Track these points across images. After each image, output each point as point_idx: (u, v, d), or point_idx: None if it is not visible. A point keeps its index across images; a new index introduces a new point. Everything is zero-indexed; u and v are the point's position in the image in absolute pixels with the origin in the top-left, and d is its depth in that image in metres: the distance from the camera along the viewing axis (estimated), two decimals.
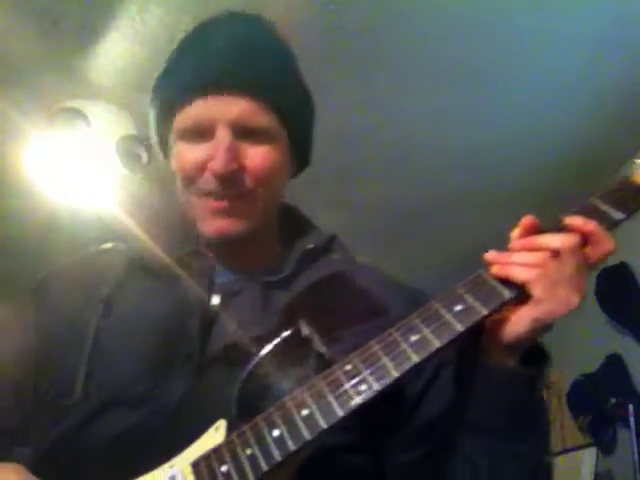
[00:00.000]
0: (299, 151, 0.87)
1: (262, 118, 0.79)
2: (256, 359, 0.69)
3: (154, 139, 0.89)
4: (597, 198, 0.74)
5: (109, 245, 0.91)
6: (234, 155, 0.77)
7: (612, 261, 2.38)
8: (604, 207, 0.73)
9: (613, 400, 2.42)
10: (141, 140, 2.19)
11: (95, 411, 0.73)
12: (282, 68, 0.84)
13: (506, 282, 0.67)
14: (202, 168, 0.79)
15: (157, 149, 0.90)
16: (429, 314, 0.66)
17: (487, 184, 2.59)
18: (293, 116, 0.83)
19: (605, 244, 0.69)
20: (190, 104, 0.79)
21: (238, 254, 0.84)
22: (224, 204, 0.78)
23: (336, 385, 0.64)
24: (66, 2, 1.78)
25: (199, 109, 0.79)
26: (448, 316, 0.65)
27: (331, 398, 0.63)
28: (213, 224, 0.79)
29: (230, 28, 0.84)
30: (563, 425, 2.89)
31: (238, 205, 0.79)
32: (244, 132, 0.78)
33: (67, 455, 0.72)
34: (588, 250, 0.69)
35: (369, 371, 0.64)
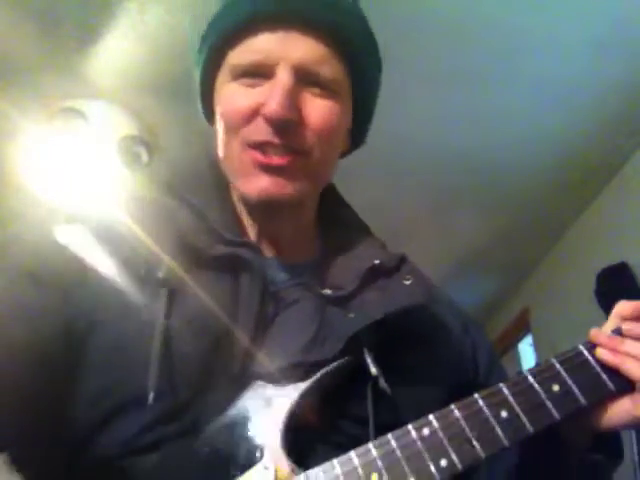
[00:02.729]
0: (359, 123, 0.77)
1: (331, 67, 0.68)
2: (309, 387, 0.60)
3: (198, 92, 0.76)
4: None
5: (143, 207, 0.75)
6: (294, 102, 0.65)
7: (612, 261, 2.38)
8: None
9: None
10: (141, 140, 2.19)
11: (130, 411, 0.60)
12: (356, 14, 0.73)
13: (611, 370, 0.60)
14: (254, 113, 0.66)
15: (200, 108, 0.77)
16: (522, 387, 0.58)
17: (487, 184, 2.59)
18: (362, 72, 0.73)
19: None
20: (252, 36, 0.67)
21: (282, 233, 0.73)
22: (275, 159, 0.66)
23: (413, 453, 0.55)
24: (66, 2, 1.78)
25: (262, 42, 0.67)
26: (543, 396, 0.57)
27: (407, 469, 0.54)
28: (259, 182, 0.67)
29: None
30: None
31: (291, 163, 0.67)
32: (309, 79, 0.67)
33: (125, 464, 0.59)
34: None
35: (451, 444, 0.55)
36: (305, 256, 0.76)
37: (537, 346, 3.24)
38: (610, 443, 0.64)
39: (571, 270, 2.87)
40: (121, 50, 1.95)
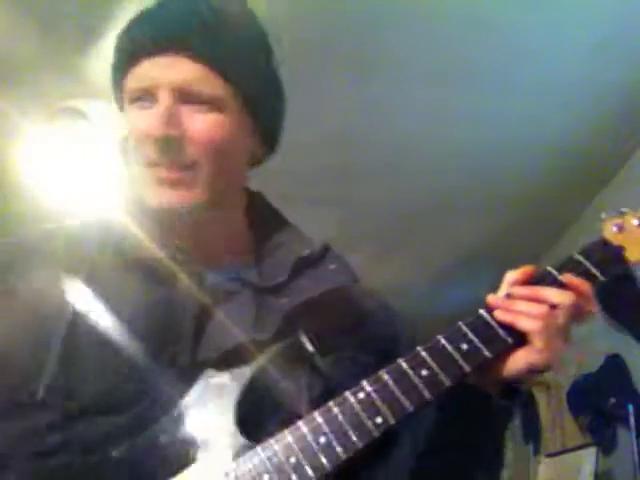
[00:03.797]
0: (263, 132, 0.81)
1: (210, 84, 0.73)
2: (254, 369, 0.68)
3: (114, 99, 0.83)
4: (580, 254, 0.77)
5: (75, 223, 0.84)
6: (173, 120, 0.72)
7: None
8: (588, 265, 0.77)
9: (613, 400, 2.42)
10: None
11: (72, 416, 0.66)
12: (241, 39, 0.78)
13: (507, 327, 0.71)
14: (145, 136, 0.74)
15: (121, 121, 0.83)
16: (436, 349, 0.69)
17: (487, 184, 2.59)
18: (251, 89, 0.77)
19: (593, 305, 0.74)
20: (140, 63, 0.74)
21: (201, 240, 0.79)
22: (166, 173, 0.72)
23: (352, 413, 0.64)
24: (66, 2, 1.78)
25: (144, 69, 0.74)
26: (456, 355, 0.69)
27: (348, 427, 0.64)
28: (158, 195, 0.73)
29: (171, 7, 0.79)
30: (563, 425, 2.90)
31: (183, 176, 0.73)
32: (189, 98, 0.73)
33: (40, 463, 0.65)
34: (578, 305, 0.72)
35: (383, 402, 0.65)
36: (242, 258, 0.82)
37: None
38: (513, 391, 0.74)
39: None
40: None
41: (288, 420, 0.66)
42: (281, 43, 0.83)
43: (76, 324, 0.70)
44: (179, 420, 0.66)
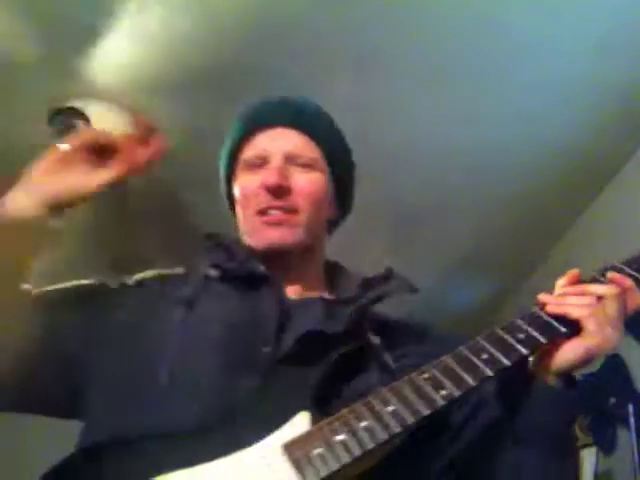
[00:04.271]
0: (341, 194, 1.04)
1: (310, 151, 0.97)
2: (329, 360, 0.76)
3: (223, 192, 1.05)
4: (622, 264, 0.90)
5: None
6: (284, 174, 0.93)
7: (612, 261, 2.38)
8: (630, 271, 0.88)
9: (613, 400, 2.42)
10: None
11: (172, 401, 0.76)
12: (323, 117, 1.04)
13: (560, 319, 0.78)
14: (258, 190, 0.93)
15: (225, 204, 1.06)
16: (494, 338, 0.76)
17: (487, 184, 2.59)
18: (335, 156, 1.01)
19: (638, 299, 0.83)
20: (253, 139, 0.98)
21: (291, 274, 0.95)
22: (277, 217, 0.92)
23: (417, 388, 0.71)
24: (66, 2, 1.78)
25: (260, 141, 0.97)
26: (512, 341, 0.75)
27: (414, 398, 0.70)
28: (265, 234, 0.93)
29: (284, 98, 1.03)
30: None
31: (288, 218, 0.93)
32: (295, 161, 0.95)
33: (147, 439, 0.72)
34: (624, 298, 0.81)
35: (447, 379, 0.72)
36: (314, 293, 0.97)
37: None
38: (571, 380, 0.81)
39: (571, 270, 2.87)
40: (121, 50, 1.95)
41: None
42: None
43: (187, 325, 0.83)
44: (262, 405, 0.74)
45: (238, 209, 0.99)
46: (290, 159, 0.96)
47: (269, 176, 0.93)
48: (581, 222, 2.84)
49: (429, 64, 1.99)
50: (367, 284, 0.94)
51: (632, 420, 2.24)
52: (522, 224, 2.85)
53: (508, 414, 0.81)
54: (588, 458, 2.53)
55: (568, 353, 0.77)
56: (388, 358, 0.84)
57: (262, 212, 0.93)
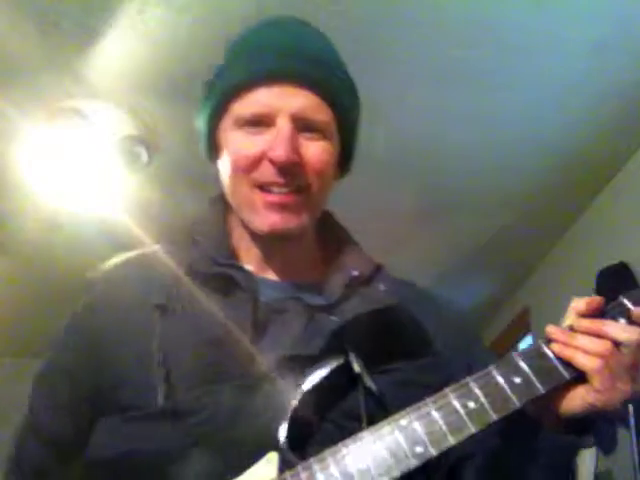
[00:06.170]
0: (345, 154, 0.88)
1: (322, 114, 0.80)
2: (305, 389, 0.69)
3: (202, 134, 0.88)
4: None
5: (155, 247, 0.89)
6: (295, 146, 0.77)
7: (612, 261, 2.38)
8: None
9: None
10: (141, 140, 2.19)
11: (147, 418, 0.72)
12: (339, 67, 0.85)
13: (566, 362, 0.68)
14: (260, 158, 0.78)
15: (202, 147, 0.89)
16: (487, 381, 0.67)
17: (487, 184, 2.59)
18: (347, 117, 0.85)
19: None
20: (253, 91, 0.79)
21: (282, 258, 0.85)
22: (283, 197, 0.78)
23: (392, 442, 0.64)
24: (66, 2, 1.78)
25: (262, 96, 0.79)
26: (506, 388, 0.66)
27: (386, 455, 0.63)
28: (268, 218, 0.78)
29: (287, 26, 0.87)
30: None
31: (296, 199, 0.79)
32: (304, 126, 0.79)
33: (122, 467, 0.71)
34: None
35: (426, 433, 0.64)
36: (305, 277, 0.86)
37: None
38: (578, 424, 0.71)
39: (571, 270, 2.87)
40: (121, 50, 1.95)
41: (339, 436, 0.66)
42: None
43: (167, 335, 0.76)
44: (233, 428, 0.69)
45: (227, 173, 0.82)
46: (299, 121, 0.78)
47: (277, 148, 0.76)
48: (581, 222, 2.84)
49: (429, 64, 1.99)
50: (354, 283, 0.82)
51: (632, 420, 2.24)
52: (522, 224, 2.84)
53: (504, 453, 0.73)
54: (588, 458, 2.53)
55: (569, 403, 0.68)
56: (371, 383, 0.73)
57: (263, 187, 0.79)
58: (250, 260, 0.85)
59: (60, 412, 0.80)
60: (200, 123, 0.88)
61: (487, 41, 1.89)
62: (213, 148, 0.86)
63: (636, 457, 2.14)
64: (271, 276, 0.85)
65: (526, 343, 3.51)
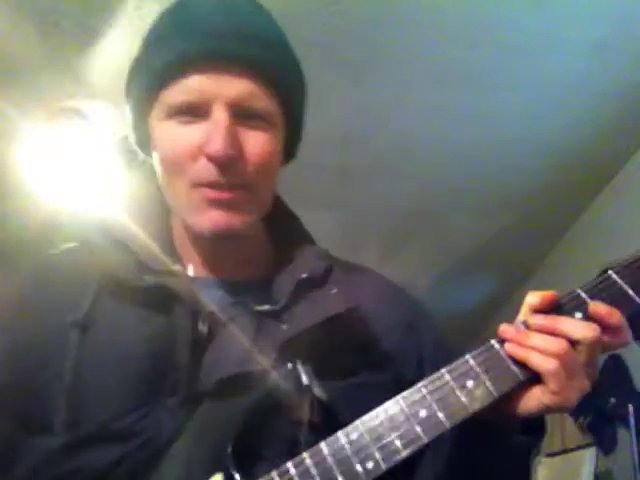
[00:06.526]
0: (291, 141, 0.80)
1: (264, 101, 0.71)
2: (251, 403, 0.65)
3: (132, 131, 0.79)
4: (615, 273, 0.69)
5: (72, 245, 0.81)
6: (234, 139, 0.69)
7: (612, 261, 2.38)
8: (625, 287, 0.67)
9: (613, 400, 2.41)
10: None
11: (75, 445, 0.65)
12: (282, 45, 0.76)
13: (520, 362, 0.64)
14: (196, 153, 0.70)
15: (136, 145, 0.81)
16: (439, 385, 0.63)
17: (487, 184, 2.59)
18: (293, 101, 0.76)
19: (624, 337, 0.65)
20: (183, 76, 0.69)
21: (227, 257, 0.78)
22: (224, 194, 0.70)
23: (342, 458, 0.61)
24: (66, 2, 1.78)
25: (194, 82, 0.69)
26: (459, 393, 0.62)
27: (337, 473, 0.60)
28: (209, 217, 0.70)
29: (227, 10, 0.73)
30: (563, 425, 2.89)
31: (238, 196, 0.71)
32: (243, 114, 0.70)
33: None
34: (605, 338, 0.64)
35: (375, 447, 0.61)
36: (252, 273, 0.80)
37: None
38: (533, 423, 0.68)
39: (571, 270, 2.87)
40: (121, 50, 1.95)
41: (288, 452, 0.63)
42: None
43: (81, 355, 0.68)
44: (175, 454, 0.65)
45: (160, 170, 0.74)
46: (237, 108, 0.69)
47: (213, 142, 0.68)
48: (581, 222, 2.84)
49: (429, 66, 1.99)
50: (302, 287, 0.75)
51: (632, 420, 2.24)
52: (522, 224, 2.85)
53: (456, 450, 0.69)
54: (588, 458, 2.53)
55: (525, 404, 0.64)
56: (320, 392, 0.67)
57: (204, 185, 0.71)
58: (192, 259, 0.78)
59: None
60: (127, 111, 0.79)
61: (487, 41, 1.90)
62: (146, 139, 0.77)
63: (636, 457, 2.14)
64: (215, 275, 0.78)
65: None
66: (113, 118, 2.15)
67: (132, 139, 0.81)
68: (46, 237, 2.65)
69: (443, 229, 2.91)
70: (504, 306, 3.62)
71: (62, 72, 2.01)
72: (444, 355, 0.74)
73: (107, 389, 0.67)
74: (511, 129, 2.28)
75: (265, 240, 0.84)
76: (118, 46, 1.93)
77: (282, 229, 0.84)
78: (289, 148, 0.80)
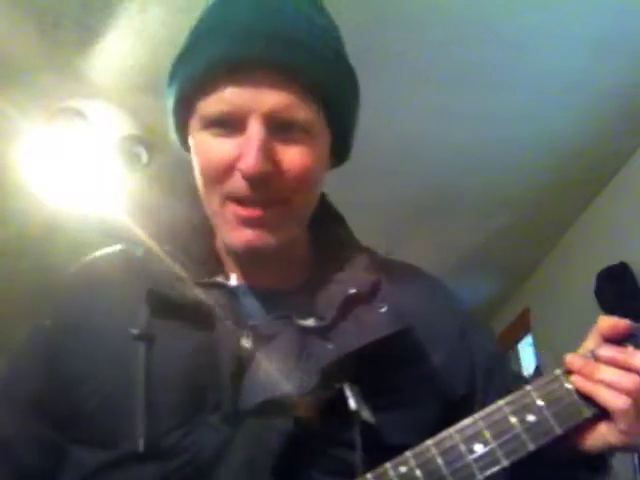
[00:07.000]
0: (340, 146, 0.76)
1: (304, 110, 0.66)
2: (295, 426, 0.63)
3: (172, 127, 0.77)
4: None
5: (111, 251, 0.80)
6: (268, 154, 0.65)
7: (612, 261, 2.38)
8: None
9: None
10: (141, 140, 2.18)
11: (125, 460, 0.65)
12: (329, 47, 0.70)
13: (587, 397, 0.60)
14: (231, 167, 0.66)
15: (176, 140, 0.79)
16: (497, 419, 0.59)
17: (487, 184, 2.59)
18: (339, 109, 0.71)
19: None
20: (222, 84, 0.66)
21: (266, 267, 0.74)
22: (256, 212, 0.66)
23: None
24: (66, 2, 1.78)
25: (227, 92, 0.65)
26: (519, 427, 0.58)
27: None
28: (242, 235, 0.67)
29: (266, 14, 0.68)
30: None
31: (272, 213, 0.67)
32: (281, 126, 0.66)
33: None
34: None
35: None
36: (292, 281, 0.77)
37: (537, 346, 3.24)
38: (597, 459, 0.64)
39: (571, 270, 2.87)
40: (121, 50, 1.95)
41: (337, 469, 0.62)
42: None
43: (150, 370, 0.67)
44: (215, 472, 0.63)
45: (198, 179, 0.72)
46: (274, 120, 0.65)
47: (246, 158, 0.64)
48: (581, 222, 2.84)
49: (428, 64, 1.98)
50: (349, 303, 0.71)
51: None
52: (522, 224, 2.85)
53: None
54: None
55: (589, 441, 0.60)
56: (370, 417, 0.64)
57: (236, 200, 0.68)
58: (233, 267, 0.76)
59: (24, 438, 0.72)
60: (168, 114, 0.77)
61: (488, 41, 1.89)
62: (186, 142, 0.75)
63: (636, 457, 2.13)
64: (255, 284, 0.75)
65: (526, 343, 3.51)
66: (113, 118, 2.15)
67: (174, 139, 0.79)
68: (46, 237, 2.66)
69: (443, 229, 2.91)
70: (504, 306, 3.62)
71: (62, 72, 2.01)
72: (495, 362, 0.73)
73: (157, 405, 0.66)
74: (511, 129, 2.28)
75: (308, 243, 0.80)
76: (118, 46, 1.93)
77: (326, 231, 0.80)
78: (338, 152, 0.77)
